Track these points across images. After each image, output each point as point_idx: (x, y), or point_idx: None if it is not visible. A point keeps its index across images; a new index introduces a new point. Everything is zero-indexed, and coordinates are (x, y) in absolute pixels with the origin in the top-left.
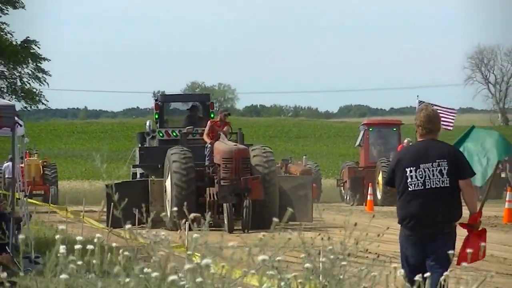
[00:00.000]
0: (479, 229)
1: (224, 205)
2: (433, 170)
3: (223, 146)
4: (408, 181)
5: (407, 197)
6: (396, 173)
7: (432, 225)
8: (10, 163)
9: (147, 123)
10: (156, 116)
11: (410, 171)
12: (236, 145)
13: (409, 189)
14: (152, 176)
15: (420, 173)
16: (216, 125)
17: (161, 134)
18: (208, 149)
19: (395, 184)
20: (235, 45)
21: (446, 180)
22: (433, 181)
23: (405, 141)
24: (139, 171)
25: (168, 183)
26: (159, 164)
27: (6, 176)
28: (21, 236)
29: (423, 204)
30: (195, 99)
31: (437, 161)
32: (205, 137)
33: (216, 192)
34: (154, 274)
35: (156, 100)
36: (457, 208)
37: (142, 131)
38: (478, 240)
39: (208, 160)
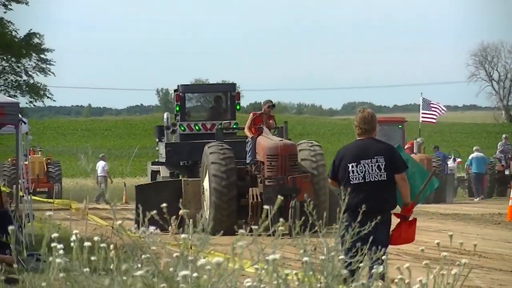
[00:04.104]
0: (410, 219)
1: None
2: (372, 166)
3: (267, 141)
4: (350, 175)
5: (349, 189)
6: (340, 168)
7: (371, 214)
8: (101, 161)
9: (165, 116)
10: (177, 109)
11: (352, 166)
12: (281, 140)
13: (351, 182)
14: (180, 175)
15: (361, 168)
16: (259, 118)
17: (182, 128)
18: (250, 145)
19: (339, 178)
20: (238, 43)
21: (384, 174)
22: (372, 175)
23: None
24: (163, 169)
25: (206, 184)
26: (184, 161)
27: (98, 174)
28: (8, 231)
29: (364, 195)
30: (219, 89)
31: (375, 157)
32: (246, 131)
33: (260, 192)
34: (148, 270)
35: (176, 91)
36: (393, 199)
37: (161, 125)
38: (408, 227)
39: (250, 157)
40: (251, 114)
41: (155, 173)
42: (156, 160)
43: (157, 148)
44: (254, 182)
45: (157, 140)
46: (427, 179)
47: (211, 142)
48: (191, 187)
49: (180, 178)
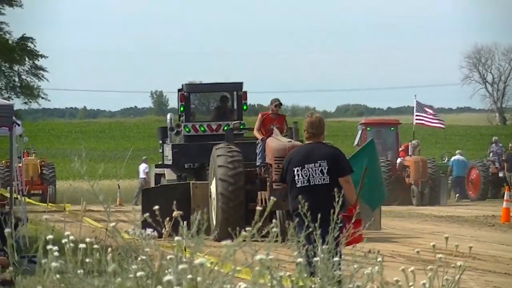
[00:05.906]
0: (355, 219)
1: (277, 212)
2: (315, 170)
3: (275, 143)
4: (295, 178)
5: (295, 192)
6: (287, 172)
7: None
8: (143, 164)
9: (168, 117)
10: (182, 109)
11: (297, 170)
12: (290, 141)
13: (297, 185)
14: (187, 178)
15: (305, 172)
16: (268, 118)
17: (187, 129)
18: (260, 147)
19: (287, 181)
20: (232, 45)
21: (327, 178)
22: (316, 179)
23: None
24: (169, 172)
25: (213, 188)
26: (190, 164)
27: (140, 177)
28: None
29: (308, 198)
30: (225, 88)
31: (318, 161)
32: (255, 132)
33: (269, 196)
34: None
35: (180, 91)
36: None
37: (164, 126)
38: (354, 227)
39: (260, 159)
40: (260, 115)
41: (159, 176)
42: (160, 162)
43: (160, 150)
44: (263, 186)
45: (160, 142)
46: (362, 177)
47: (220, 144)
48: (200, 190)
49: (188, 181)
